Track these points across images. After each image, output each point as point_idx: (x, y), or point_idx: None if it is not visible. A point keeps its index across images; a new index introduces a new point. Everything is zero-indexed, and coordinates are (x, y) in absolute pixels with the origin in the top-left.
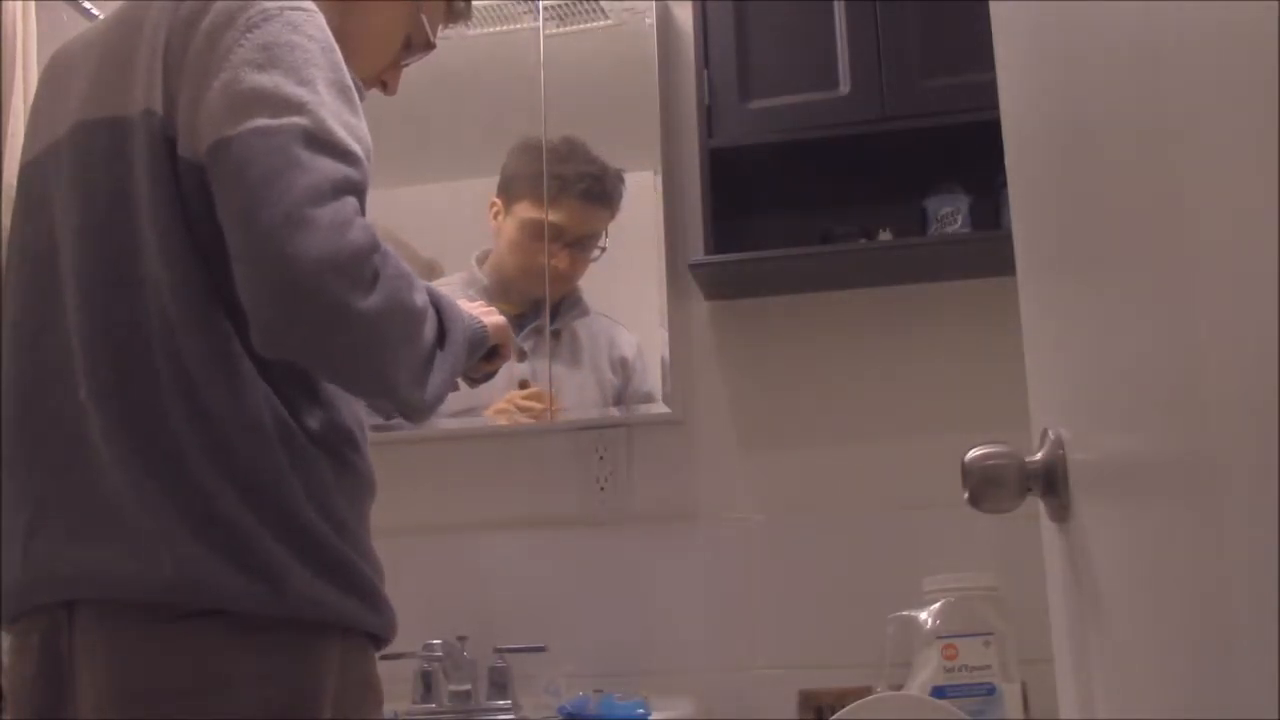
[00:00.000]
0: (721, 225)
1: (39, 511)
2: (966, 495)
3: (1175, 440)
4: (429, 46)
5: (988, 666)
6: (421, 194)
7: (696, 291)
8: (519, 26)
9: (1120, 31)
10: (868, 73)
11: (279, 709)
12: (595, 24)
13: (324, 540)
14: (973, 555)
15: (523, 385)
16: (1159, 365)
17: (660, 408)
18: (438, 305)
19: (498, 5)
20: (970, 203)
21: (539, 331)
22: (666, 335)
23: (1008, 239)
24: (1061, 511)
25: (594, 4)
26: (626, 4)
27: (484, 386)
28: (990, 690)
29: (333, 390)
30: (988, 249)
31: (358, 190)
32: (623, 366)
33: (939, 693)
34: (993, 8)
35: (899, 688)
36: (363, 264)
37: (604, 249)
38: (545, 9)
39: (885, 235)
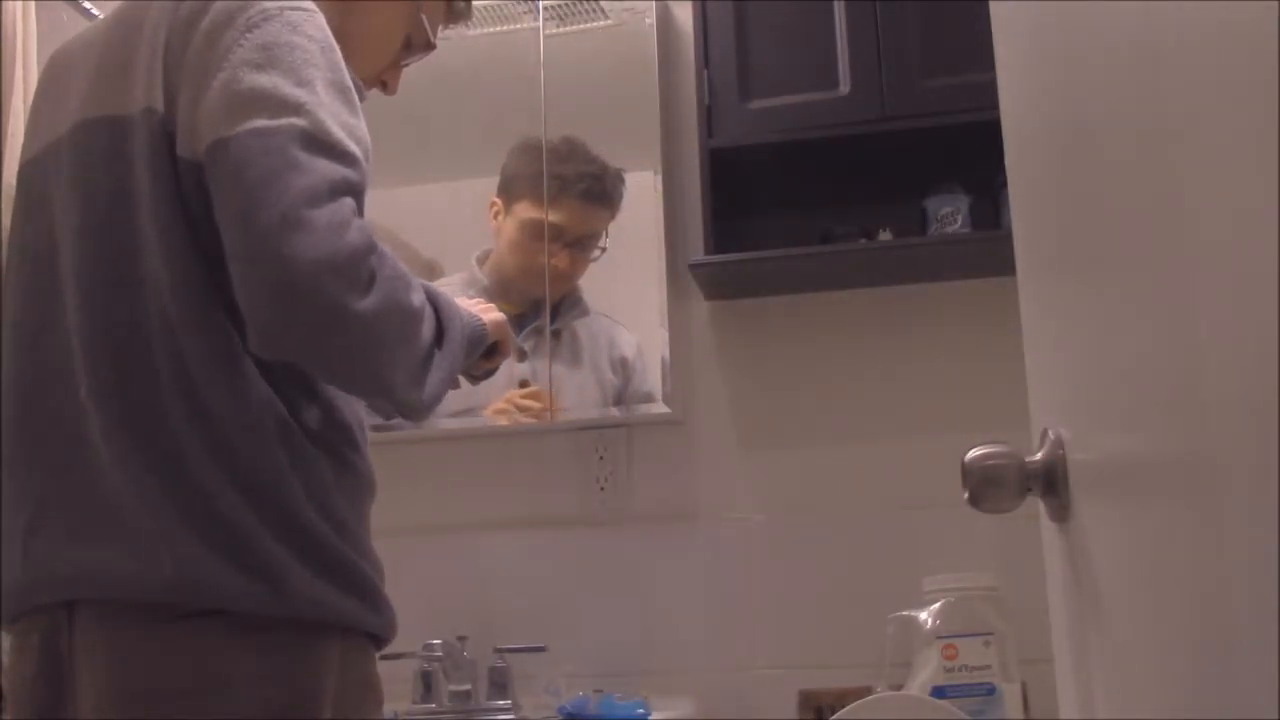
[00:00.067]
0: (721, 225)
1: (39, 511)
2: (966, 495)
3: (1175, 440)
4: (429, 47)
5: (988, 666)
6: (421, 194)
7: (696, 291)
8: (519, 26)
9: (1120, 31)
10: (868, 73)
11: (279, 709)
12: (595, 24)
13: (324, 540)
14: (973, 555)
15: (523, 385)
16: (1159, 365)
17: (660, 408)
18: (435, 304)
19: (498, 5)
20: (970, 203)
21: (539, 331)
22: (666, 335)
23: (1008, 239)
24: (1061, 511)
25: (594, 4)
26: (626, 4)
27: (483, 386)
28: (990, 690)
29: (333, 390)
30: (988, 249)
31: (355, 191)
32: (623, 366)
33: (939, 693)
34: (993, 8)
35: (899, 688)
36: (359, 265)
37: (604, 249)
38: (545, 9)
39: (885, 235)
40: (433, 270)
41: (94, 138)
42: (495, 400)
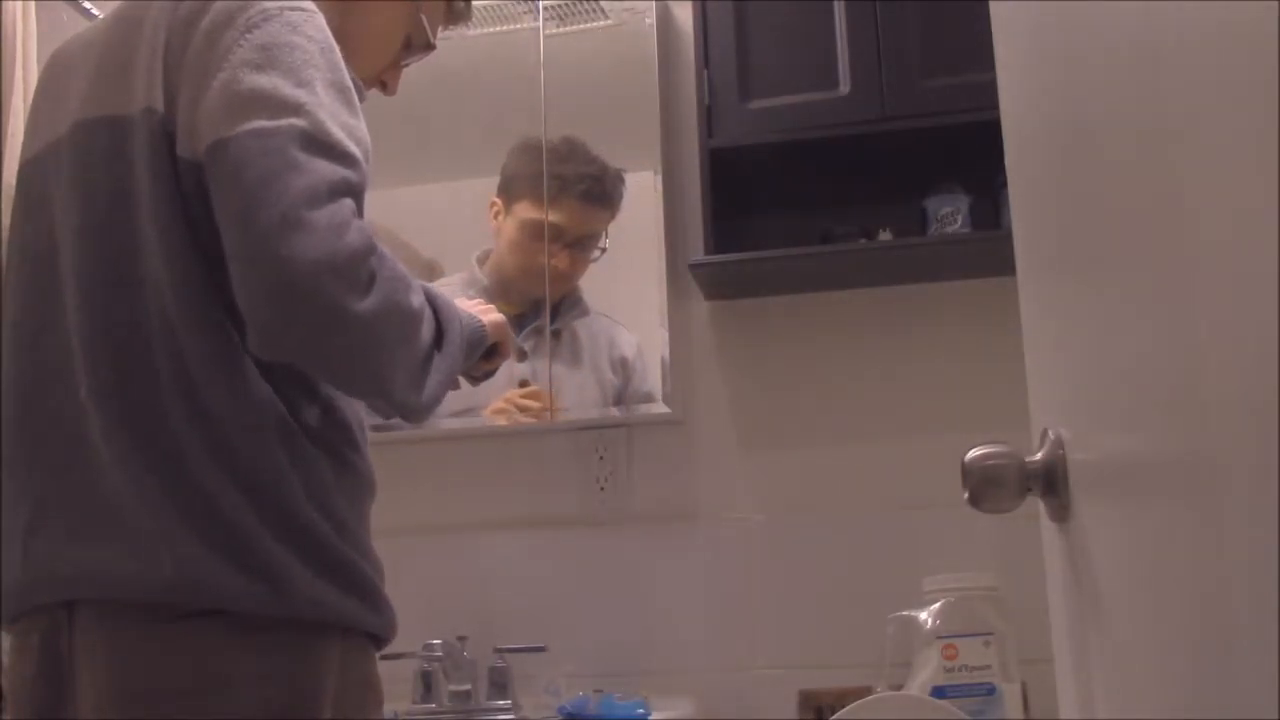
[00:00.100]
0: (721, 225)
1: (39, 511)
2: (966, 495)
3: (1175, 440)
4: (429, 47)
5: (988, 666)
6: (421, 194)
7: (696, 291)
8: (519, 26)
9: (1120, 31)
10: (868, 73)
11: (279, 709)
12: (595, 24)
13: (324, 540)
14: (973, 555)
15: (522, 384)
16: (1159, 365)
17: (660, 408)
18: (434, 306)
19: (498, 5)
20: (970, 203)
21: (539, 331)
22: (666, 335)
23: (1008, 239)
24: (1061, 511)
25: (594, 4)
26: (626, 4)
27: (483, 386)
28: (990, 690)
29: (333, 390)
30: (988, 249)
31: (355, 192)
32: (623, 366)
33: (939, 693)
34: (993, 8)
35: (899, 688)
36: (359, 266)
37: (604, 249)
38: (545, 9)
39: (885, 235)
40: (433, 270)
41: (94, 138)
42: (495, 400)
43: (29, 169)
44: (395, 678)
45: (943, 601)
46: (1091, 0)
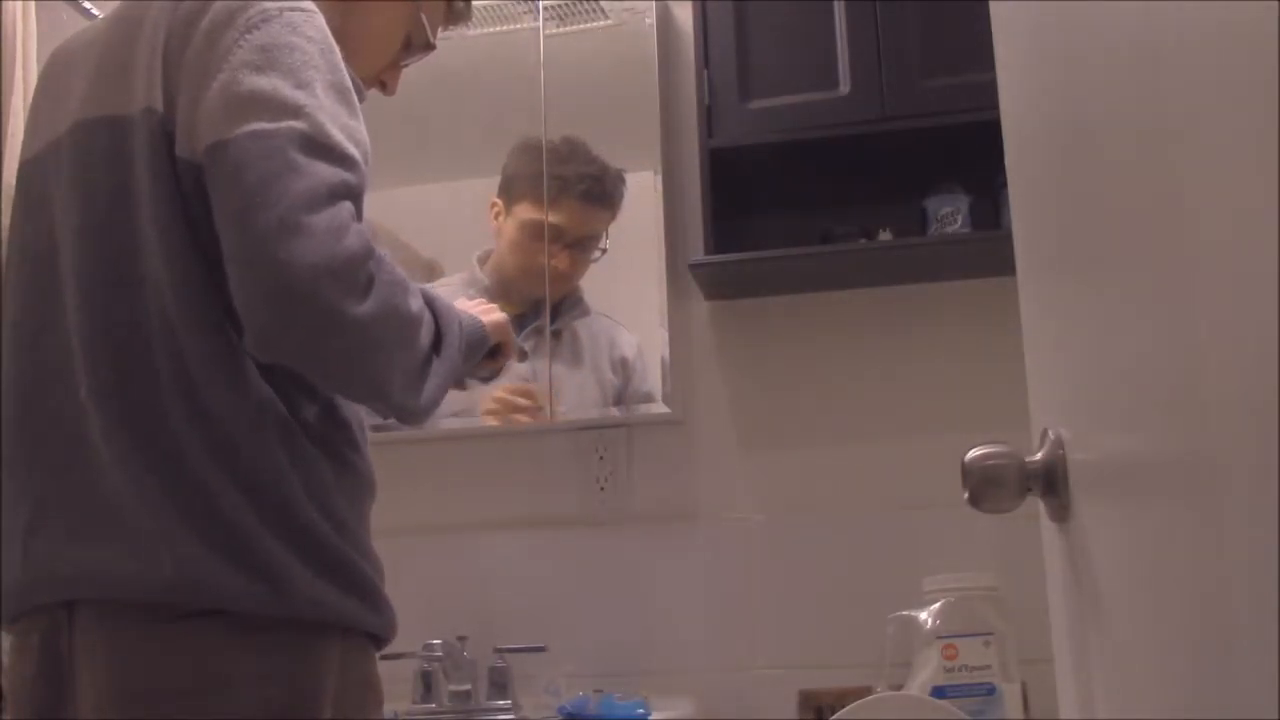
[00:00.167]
0: (721, 225)
1: (39, 511)
2: (966, 495)
3: (1175, 440)
4: (429, 47)
5: (988, 666)
6: (421, 194)
7: (696, 291)
8: (519, 26)
9: (1120, 31)
10: (868, 73)
11: (279, 709)
12: (595, 24)
13: (324, 540)
14: (973, 555)
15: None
16: (1159, 365)
17: (660, 408)
18: (434, 309)
19: (498, 5)
20: (970, 203)
21: (539, 332)
22: (666, 335)
23: (1008, 239)
24: (1061, 511)
25: (594, 4)
26: (626, 4)
27: (481, 386)
28: (990, 690)
29: None
30: (988, 249)
31: (354, 194)
32: (623, 367)
33: (939, 693)
34: (993, 8)
35: (899, 688)
36: (357, 270)
37: (605, 250)
38: (545, 9)
39: (885, 235)
40: (433, 270)
41: (94, 137)
42: (487, 400)
43: (29, 169)
44: (395, 678)
45: (943, 601)
46: (1091, 0)
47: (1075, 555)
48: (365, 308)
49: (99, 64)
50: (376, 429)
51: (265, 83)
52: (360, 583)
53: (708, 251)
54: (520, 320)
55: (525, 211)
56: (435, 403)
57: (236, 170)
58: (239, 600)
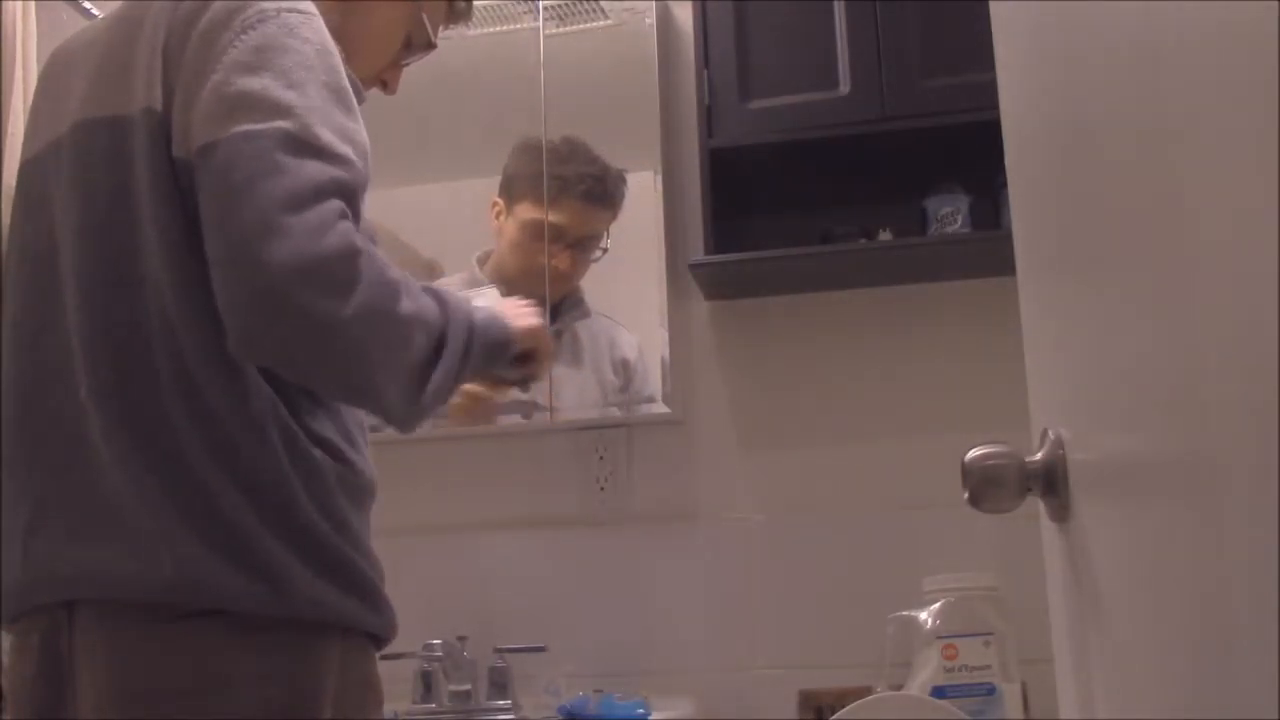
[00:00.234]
0: (721, 225)
1: (39, 511)
2: (966, 495)
3: (1175, 440)
4: (429, 46)
5: (988, 666)
6: (421, 194)
7: (696, 291)
8: (519, 26)
9: (1120, 31)
10: (868, 73)
11: (279, 709)
12: (595, 24)
13: (324, 540)
14: (973, 555)
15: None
16: (1159, 365)
17: (660, 408)
18: (445, 312)
19: (498, 5)
20: (970, 203)
21: None
22: (666, 335)
23: (1008, 239)
24: (1061, 511)
25: (594, 4)
26: (626, 4)
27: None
28: (990, 690)
29: None
30: (988, 249)
31: (346, 192)
32: (624, 367)
33: (939, 693)
34: (993, 8)
35: (899, 688)
36: (335, 270)
37: (605, 250)
38: (545, 9)
39: (885, 235)
40: (433, 270)
41: (94, 137)
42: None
43: (29, 169)
44: (395, 678)
45: (943, 601)
46: (1091, 0)
47: (1075, 555)
48: (346, 310)
49: (99, 64)
50: (376, 429)
51: (256, 83)
52: (360, 583)
53: (708, 251)
54: None
55: (526, 211)
56: (430, 408)
57: (224, 171)
58: (239, 600)
